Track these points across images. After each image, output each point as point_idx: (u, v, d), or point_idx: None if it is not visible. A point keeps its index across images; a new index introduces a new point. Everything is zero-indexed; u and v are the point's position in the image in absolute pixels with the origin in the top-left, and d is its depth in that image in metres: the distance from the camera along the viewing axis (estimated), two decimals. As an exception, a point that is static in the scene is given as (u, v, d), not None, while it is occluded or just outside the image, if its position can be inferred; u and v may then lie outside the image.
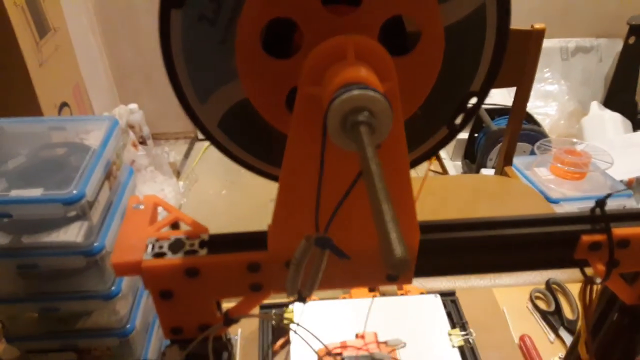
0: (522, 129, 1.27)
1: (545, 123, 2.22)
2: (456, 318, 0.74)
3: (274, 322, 0.72)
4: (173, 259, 0.39)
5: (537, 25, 1.12)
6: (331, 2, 0.33)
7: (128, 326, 0.64)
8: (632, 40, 2.23)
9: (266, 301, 0.62)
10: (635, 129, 2.24)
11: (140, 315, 0.67)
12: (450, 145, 2.22)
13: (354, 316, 0.73)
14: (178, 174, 2.22)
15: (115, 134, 0.67)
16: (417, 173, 0.44)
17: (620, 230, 0.41)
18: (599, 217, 0.42)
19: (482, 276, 0.93)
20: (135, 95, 2.33)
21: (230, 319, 0.42)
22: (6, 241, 0.58)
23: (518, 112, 1.23)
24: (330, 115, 0.28)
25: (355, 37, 0.31)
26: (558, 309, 0.78)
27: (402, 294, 0.78)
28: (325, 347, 0.66)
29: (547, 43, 1.32)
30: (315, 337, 0.43)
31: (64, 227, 0.58)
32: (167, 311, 0.42)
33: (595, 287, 0.46)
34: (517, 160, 1.39)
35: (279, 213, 0.37)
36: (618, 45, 2.35)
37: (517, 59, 1.14)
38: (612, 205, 0.42)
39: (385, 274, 0.41)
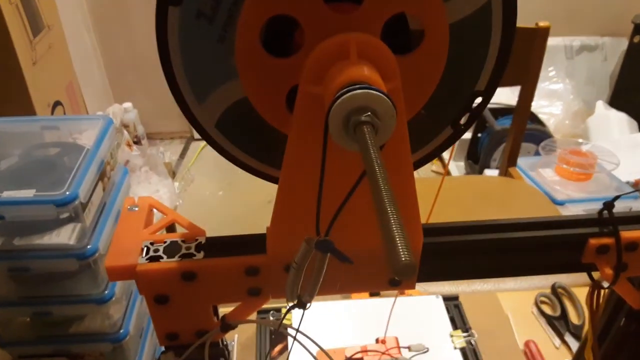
0: (526, 129, 1.25)
1: (550, 123, 2.19)
2: (459, 323, 0.73)
3: (272, 327, 0.71)
4: (169, 262, 0.39)
5: (542, 24, 1.10)
6: (333, 0, 0.32)
7: (121, 331, 0.63)
8: (637, 39, 2.22)
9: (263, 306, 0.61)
10: (641, 128, 2.23)
11: (134, 320, 0.66)
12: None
13: (354, 318, 0.72)
14: (173, 174, 2.20)
15: (109, 133, 0.66)
16: (418, 174, 0.44)
17: (629, 233, 0.41)
18: (607, 219, 0.41)
19: (486, 280, 0.92)
20: (129, 93, 2.30)
21: (227, 324, 0.41)
22: (-3, 243, 0.57)
23: (522, 112, 1.21)
24: (332, 115, 0.27)
25: (357, 35, 0.31)
26: (564, 314, 0.77)
27: (402, 295, 0.77)
28: (326, 352, 0.65)
29: (551, 41, 1.31)
30: (315, 342, 0.42)
31: (57, 229, 0.57)
32: (162, 316, 0.41)
33: (602, 291, 0.45)
34: (521, 161, 1.37)
35: (279, 215, 0.36)
36: (623, 44, 2.34)
37: (522, 57, 1.12)
38: (618, 207, 0.41)
39: (387, 278, 0.40)
